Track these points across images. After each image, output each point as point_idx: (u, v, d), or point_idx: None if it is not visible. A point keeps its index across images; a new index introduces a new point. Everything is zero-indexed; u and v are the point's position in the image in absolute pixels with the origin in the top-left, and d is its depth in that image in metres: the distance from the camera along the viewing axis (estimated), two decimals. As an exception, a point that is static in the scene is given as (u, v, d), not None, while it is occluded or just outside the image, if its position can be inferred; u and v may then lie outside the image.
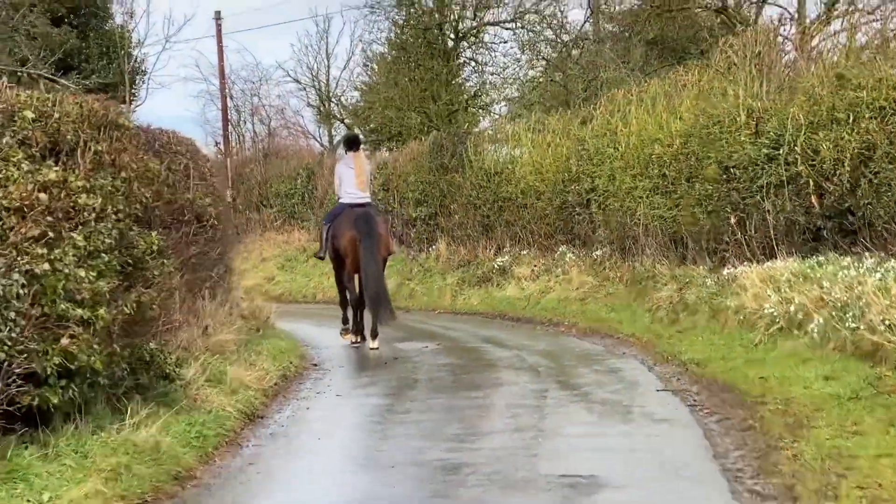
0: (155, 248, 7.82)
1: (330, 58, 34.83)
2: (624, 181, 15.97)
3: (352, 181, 13.08)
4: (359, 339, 13.18)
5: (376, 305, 12.41)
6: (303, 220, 26.16)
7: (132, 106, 23.01)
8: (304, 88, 34.21)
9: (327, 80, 33.70)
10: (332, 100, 33.40)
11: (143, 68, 23.13)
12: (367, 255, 12.39)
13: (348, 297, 13.27)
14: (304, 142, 32.82)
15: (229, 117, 30.71)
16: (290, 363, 11.14)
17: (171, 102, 69.51)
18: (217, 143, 31.53)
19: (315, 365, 11.68)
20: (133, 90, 21.84)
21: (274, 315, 13.80)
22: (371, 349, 12.60)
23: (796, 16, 21.51)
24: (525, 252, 18.98)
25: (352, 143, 13.84)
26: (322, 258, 14.12)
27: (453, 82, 26.37)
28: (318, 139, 34.59)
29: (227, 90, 30.56)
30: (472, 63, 27.89)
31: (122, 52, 20.98)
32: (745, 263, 12.31)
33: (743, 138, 12.99)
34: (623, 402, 8.63)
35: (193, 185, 10.55)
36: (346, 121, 32.65)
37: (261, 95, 34.82)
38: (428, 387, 9.90)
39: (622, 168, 16.11)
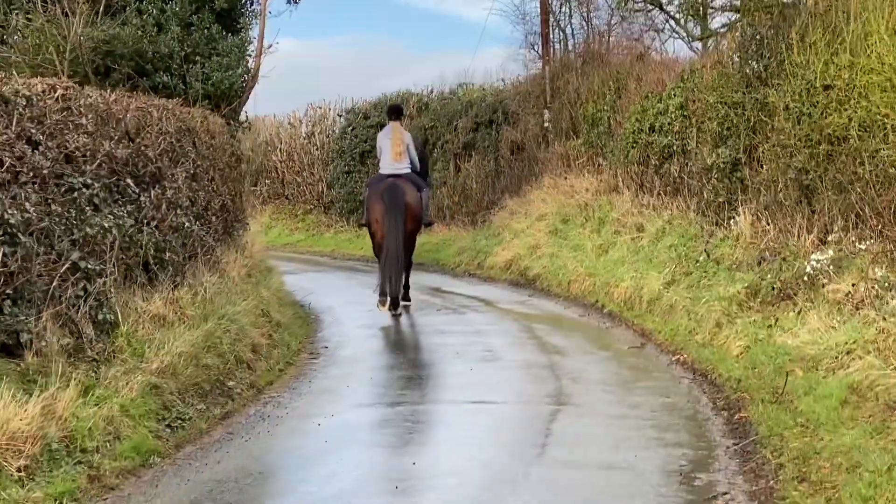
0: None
1: None
2: None
3: (388, 152, 13.34)
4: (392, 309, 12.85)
5: (390, 273, 12.58)
6: (604, 159, 17.64)
7: None
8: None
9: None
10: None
11: None
12: (391, 227, 12.65)
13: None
14: (657, 44, 23.62)
15: (551, 10, 22.45)
16: None
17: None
18: (534, 47, 23.63)
19: None
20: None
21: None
22: (392, 315, 12.69)
23: None
24: (864, 245, 9.57)
25: (391, 113, 13.94)
26: (363, 225, 14.37)
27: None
28: (684, 36, 25.01)
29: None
30: None
31: None
32: None
33: None
34: None
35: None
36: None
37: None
38: None
39: None
